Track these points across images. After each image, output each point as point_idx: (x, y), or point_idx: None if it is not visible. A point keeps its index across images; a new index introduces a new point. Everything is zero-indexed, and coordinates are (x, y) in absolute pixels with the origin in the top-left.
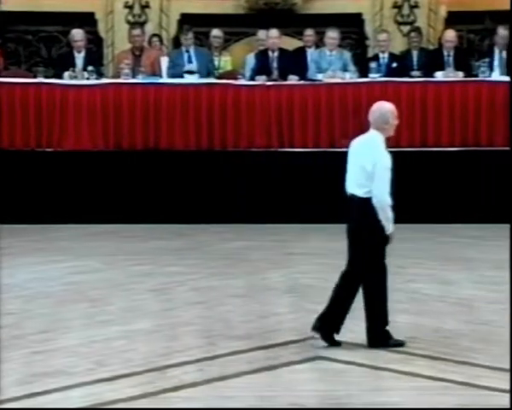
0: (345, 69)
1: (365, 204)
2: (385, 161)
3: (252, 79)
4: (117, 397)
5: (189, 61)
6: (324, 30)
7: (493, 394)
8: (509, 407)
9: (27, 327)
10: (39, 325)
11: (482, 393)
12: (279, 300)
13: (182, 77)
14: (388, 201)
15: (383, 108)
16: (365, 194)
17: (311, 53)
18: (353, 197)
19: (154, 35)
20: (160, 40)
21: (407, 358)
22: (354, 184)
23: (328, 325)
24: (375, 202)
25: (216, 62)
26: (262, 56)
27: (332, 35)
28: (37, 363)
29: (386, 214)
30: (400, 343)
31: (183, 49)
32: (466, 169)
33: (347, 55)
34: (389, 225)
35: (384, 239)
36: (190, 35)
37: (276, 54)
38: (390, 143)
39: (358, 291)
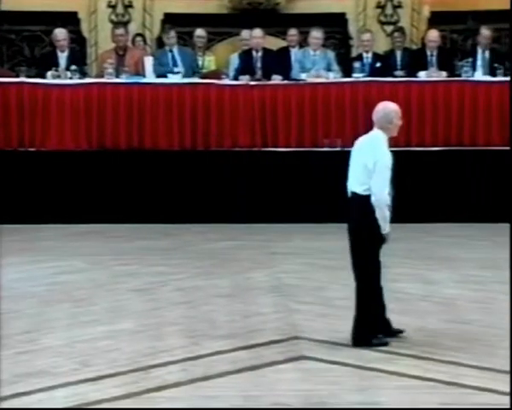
0: (328, 69)
1: (365, 201)
2: (386, 159)
3: (235, 78)
4: (101, 397)
5: (173, 61)
6: (308, 30)
7: (478, 393)
8: (508, 407)
9: (12, 327)
10: (24, 325)
11: (466, 392)
12: (263, 299)
13: (166, 77)
14: (386, 200)
15: (387, 108)
16: (365, 191)
17: (295, 53)
18: (354, 195)
19: (138, 34)
20: (144, 40)
21: (391, 357)
22: (355, 182)
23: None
24: (373, 199)
25: (200, 62)
26: (246, 56)
27: (316, 35)
28: (22, 363)
29: (383, 213)
30: (384, 343)
31: (167, 48)
32: (449, 169)
33: (331, 54)
34: (385, 225)
35: (381, 238)
36: (172, 34)
37: (259, 54)
38: None
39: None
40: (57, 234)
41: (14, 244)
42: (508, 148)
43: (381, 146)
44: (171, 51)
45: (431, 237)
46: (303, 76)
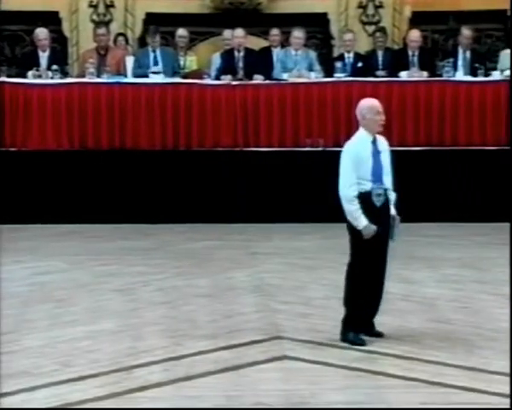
0: (310, 69)
1: None
2: (347, 154)
3: (217, 78)
4: (83, 398)
5: (155, 61)
6: (290, 30)
7: (458, 392)
8: (508, 406)
9: None
10: (4, 326)
11: (447, 391)
12: (244, 299)
13: (147, 77)
14: (348, 195)
15: (360, 104)
16: None
17: (277, 53)
18: None
19: (120, 34)
20: (126, 39)
21: (372, 357)
22: None
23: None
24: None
25: (181, 62)
26: (228, 56)
27: (297, 35)
28: (3, 364)
29: (347, 209)
30: (360, 343)
31: (150, 49)
32: (430, 168)
33: (313, 54)
34: (354, 221)
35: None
36: (157, 38)
37: (241, 53)
38: None
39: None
40: (37, 234)
41: None
42: (491, 148)
43: (349, 142)
44: (153, 51)
45: (410, 237)
46: (285, 76)
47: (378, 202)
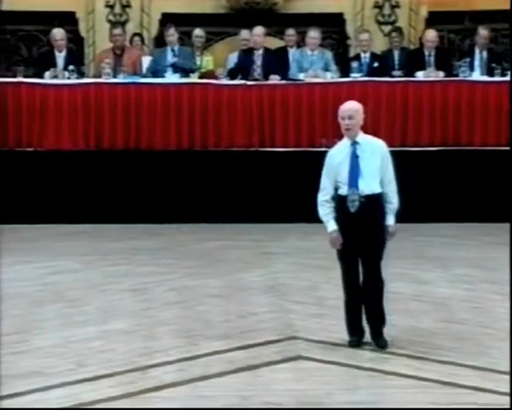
0: (326, 69)
1: None
2: (326, 158)
3: (231, 76)
4: (97, 398)
5: (174, 59)
6: (306, 30)
7: (470, 392)
8: (508, 406)
9: (3, 328)
10: (15, 326)
11: (459, 391)
12: (257, 299)
13: (163, 76)
14: (318, 199)
15: None
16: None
17: (293, 53)
18: None
19: (136, 34)
20: (142, 39)
21: (384, 357)
22: None
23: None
24: None
25: (198, 62)
26: (245, 55)
27: (313, 35)
28: (15, 364)
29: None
30: (350, 344)
31: (168, 48)
32: (446, 169)
33: (329, 54)
34: (326, 224)
35: (344, 241)
36: (172, 31)
37: (260, 52)
38: None
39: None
40: (49, 234)
41: (6, 244)
42: (506, 148)
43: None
44: (172, 50)
45: (421, 237)
46: (301, 76)
47: (352, 207)
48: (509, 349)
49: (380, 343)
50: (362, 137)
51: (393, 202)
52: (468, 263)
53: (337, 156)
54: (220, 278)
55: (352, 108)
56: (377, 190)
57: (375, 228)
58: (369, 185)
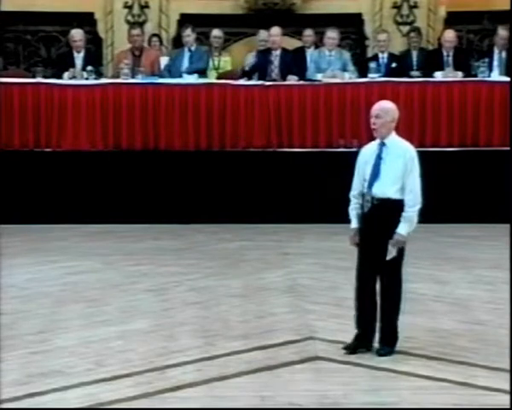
0: (344, 69)
1: None
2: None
3: (245, 75)
4: (115, 397)
5: (191, 61)
6: (323, 30)
7: (490, 393)
8: (508, 407)
9: (25, 327)
10: (37, 326)
11: (479, 393)
12: (276, 300)
13: (180, 76)
14: (350, 195)
15: None
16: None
17: (311, 53)
18: None
19: (154, 35)
20: (160, 40)
21: (404, 358)
22: None
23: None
24: None
25: (216, 62)
26: (263, 55)
27: (331, 35)
28: (35, 363)
29: None
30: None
31: (186, 48)
32: (464, 169)
33: (347, 55)
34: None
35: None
36: (188, 32)
37: (277, 52)
38: None
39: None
40: (71, 234)
41: (28, 244)
42: None
43: None
44: (189, 51)
45: (442, 238)
46: (318, 76)
47: (365, 207)
48: (509, 348)
49: (378, 351)
50: (391, 139)
51: (408, 211)
52: (490, 264)
53: (366, 155)
54: (240, 278)
55: (379, 108)
56: (393, 195)
57: (384, 233)
58: (383, 189)
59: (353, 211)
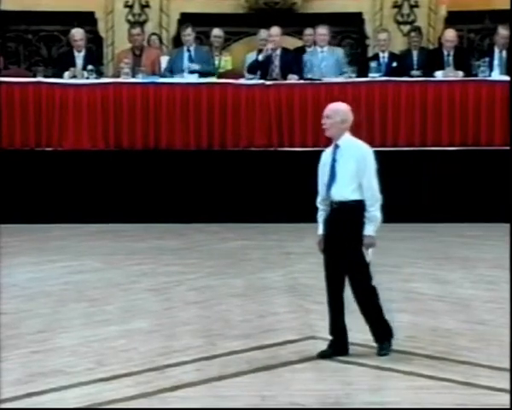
0: (338, 66)
1: None
2: None
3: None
4: (115, 397)
5: (190, 60)
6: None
7: (492, 393)
8: (508, 407)
9: (25, 327)
10: (38, 325)
11: (481, 392)
12: (278, 299)
13: (180, 76)
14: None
15: None
16: None
17: (305, 55)
18: None
19: (153, 34)
20: (160, 39)
21: (406, 357)
22: None
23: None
24: None
25: (216, 62)
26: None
27: (322, 31)
28: (36, 363)
29: None
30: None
31: (185, 48)
32: (465, 169)
33: (340, 51)
34: None
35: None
36: (188, 31)
37: (277, 52)
38: (389, 142)
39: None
40: (72, 233)
41: (29, 243)
42: None
43: None
44: (188, 51)
45: (443, 237)
46: (309, 75)
47: (325, 211)
48: (509, 348)
49: (378, 352)
50: (344, 140)
51: (370, 211)
52: (492, 264)
53: (324, 158)
54: (241, 277)
55: (330, 108)
56: (349, 196)
57: (346, 236)
58: (340, 191)
59: (320, 217)
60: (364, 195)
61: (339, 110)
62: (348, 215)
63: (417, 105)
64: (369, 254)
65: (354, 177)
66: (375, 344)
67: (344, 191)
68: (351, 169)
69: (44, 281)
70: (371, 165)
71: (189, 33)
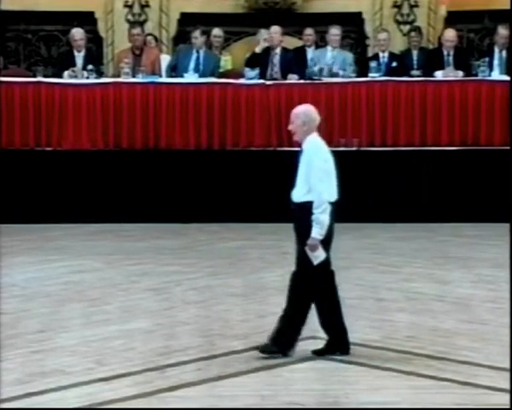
0: (343, 69)
1: None
2: None
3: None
4: (115, 397)
5: (197, 63)
6: (324, 29)
7: (492, 393)
8: (508, 407)
9: (25, 326)
10: (37, 325)
11: (480, 392)
12: (276, 299)
13: (182, 75)
14: None
15: None
16: None
17: (313, 51)
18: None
19: (149, 34)
20: (156, 39)
21: (405, 357)
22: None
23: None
24: None
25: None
26: (262, 55)
27: (335, 32)
28: (35, 362)
29: None
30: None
31: (194, 50)
32: (465, 168)
33: (349, 56)
34: None
35: None
36: (196, 34)
37: (277, 51)
38: (389, 142)
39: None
40: (71, 233)
41: (29, 243)
42: None
43: None
44: (197, 52)
45: (443, 237)
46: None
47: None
48: (509, 348)
49: (261, 346)
50: (306, 143)
51: (314, 213)
52: (491, 263)
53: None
54: (240, 277)
55: (292, 112)
56: (302, 198)
57: (297, 237)
58: (296, 193)
59: None
60: (311, 197)
61: (299, 113)
62: (299, 217)
63: (417, 105)
64: (317, 257)
65: (305, 179)
66: (373, 344)
67: (298, 193)
68: (302, 172)
69: (44, 281)
70: (316, 166)
71: (196, 36)
